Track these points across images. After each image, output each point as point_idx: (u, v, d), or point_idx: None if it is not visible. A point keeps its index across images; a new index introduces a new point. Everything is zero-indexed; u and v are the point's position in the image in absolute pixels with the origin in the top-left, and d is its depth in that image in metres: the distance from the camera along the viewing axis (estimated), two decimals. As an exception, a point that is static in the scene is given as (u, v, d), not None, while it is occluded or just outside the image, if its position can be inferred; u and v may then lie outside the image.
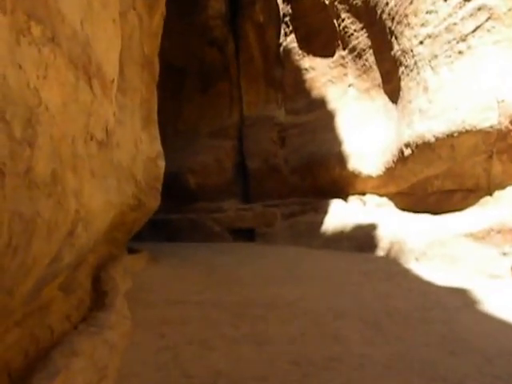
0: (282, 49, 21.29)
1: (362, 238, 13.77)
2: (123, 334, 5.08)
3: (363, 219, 14.65)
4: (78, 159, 4.17)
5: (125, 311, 5.86)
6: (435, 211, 12.68)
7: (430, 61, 12.56)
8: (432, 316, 6.59)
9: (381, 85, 16.55)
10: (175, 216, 21.24)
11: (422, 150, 12.58)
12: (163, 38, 13.07)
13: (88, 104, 4.44)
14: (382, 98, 16.47)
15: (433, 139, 12.06)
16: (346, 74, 18.28)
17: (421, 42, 12.90)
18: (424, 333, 5.82)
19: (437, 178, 12.86)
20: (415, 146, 12.79)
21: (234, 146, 21.66)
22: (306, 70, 20.00)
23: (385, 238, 12.80)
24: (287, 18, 20.88)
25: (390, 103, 15.80)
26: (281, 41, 21.36)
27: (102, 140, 5.40)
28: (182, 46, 22.40)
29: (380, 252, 12.68)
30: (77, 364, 3.61)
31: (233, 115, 21.94)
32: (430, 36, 12.59)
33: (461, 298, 7.58)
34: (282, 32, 21.27)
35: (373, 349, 5.23)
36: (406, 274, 9.66)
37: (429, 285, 8.59)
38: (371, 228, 13.79)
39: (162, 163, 12.90)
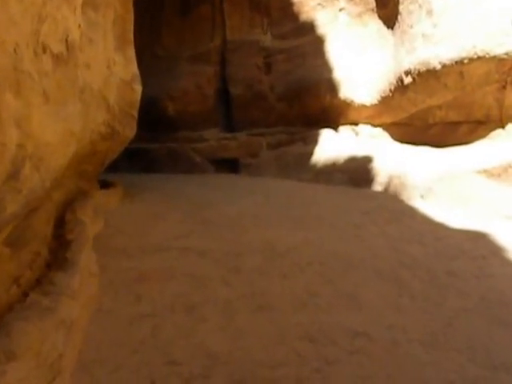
0: (268, -31, 19.43)
1: (357, 171, 12.66)
2: (88, 299, 3.92)
3: (357, 150, 13.52)
4: (24, 76, 3.04)
5: (92, 267, 4.68)
6: (436, 144, 11.66)
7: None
8: (458, 268, 5.54)
9: (375, 9, 15.29)
10: (153, 146, 19.90)
11: (426, 78, 11.40)
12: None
13: (38, 4, 3.22)
14: (375, 23, 15.18)
15: (439, 66, 10.85)
16: (337, -3, 16.82)
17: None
18: (457, 292, 4.76)
19: (440, 109, 11.77)
20: (417, 73, 11.59)
21: (215, 71, 19.93)
22: (295, -9, 18.37)
23: (382, 171, 11.66)
24: None
25: (385, 29, 14.58)
26: (267, -42, 19.49)
27: (61, 54, 4.21)
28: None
29: (377, 187, 11.57)
30: (16, 368, 2.41)
31: (215, 39, 20.10)
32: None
33: (484, 245, 6.50)
34: (269, -52, 19.42)
35: (402, 317, 4.19)
36: (414, 214, 8.51)
37: (443, 227, 7.47)
38: (366, 160, 12.69)
39: (138, 87, 11.65)
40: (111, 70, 9.30)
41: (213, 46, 20.07)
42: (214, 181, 15.60)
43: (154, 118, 19.59)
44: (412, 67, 11.70)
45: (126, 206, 10.05)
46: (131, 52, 11.47)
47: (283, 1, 18.52)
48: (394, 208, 9.08)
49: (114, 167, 19.09)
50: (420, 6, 11.77)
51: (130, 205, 10.21)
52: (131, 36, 11.51)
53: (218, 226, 7.78)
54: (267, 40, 19.00)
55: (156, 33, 21.44)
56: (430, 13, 11.33)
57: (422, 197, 9.55)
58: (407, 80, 12.00)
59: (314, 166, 14.46)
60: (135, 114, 11.68)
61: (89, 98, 7.23)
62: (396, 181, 10.73)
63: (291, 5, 18.27)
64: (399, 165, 11.12)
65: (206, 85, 19.59)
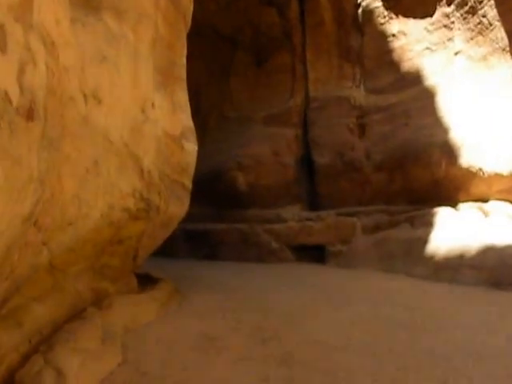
0: (361, 10, 16.95)
1: (498, 268, 9.63)
2: None
3: (494, 238, 10.37)
4: None
5: None
6: None
7: None
8: None
9: (507, 48, 12.34)
10: (219, 226, 17.25)
11: None
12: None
13: None
14: (507, 66, 12.30)
15: None
16: (451, 39, 14.11)
17: None
18: None
19: None
20: None
21: (296, 135, 17.34)
22: (394, 36, 15.77)
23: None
24: (368, -31, 16.68)
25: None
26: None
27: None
28: (231, 8, 18.54)
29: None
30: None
31: (296, 96, 17.65)
32: None
33: None
34: (361, -12, 17.05)
35: None
36: None
37: None
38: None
39: (191, 146, 9.23)
40: (147, 115, 6.84)
41: (293, 103, 17.63)
42: (296, 275, 12.64)
43: (220, 192, 17.25)
44: None
45: (166, 320, 7.24)
46: (183, 95, 9.08)
47: (380, 46, 16.05)
48: None
49: (170, 252, 16.82)
50: None
51: (171, 319, 7.41)
52: (183, 73, 9.14)
53: (309, 369, 4.95)
54: (360, 95, 16.42)
55: (225, 88, 19.21)
56: None
57: None
58: None
59: (432, 257, 11.36)
60: (187, 182, 9.23)
61: (102, 152, 5.22)
62: None
63: (390, 51, 15.73)
64: None
65: (285, 151, 17.05)
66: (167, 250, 17.46)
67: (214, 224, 17.35)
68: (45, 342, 4.66)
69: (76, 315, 5.76)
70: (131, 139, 6.13)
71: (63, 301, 5.73)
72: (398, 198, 14.67)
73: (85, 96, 4.62)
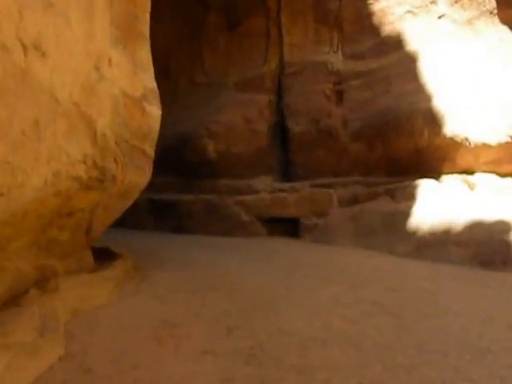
0: (339, -31, 15.96)
1: (486, 245, 8.90)
2: None
3: (481, 213, 9.66)
4: None
5: None
6: None
7: None
8: None
9: (494, 10, 11.67)
10: (186, 197, 16.25)
11: None
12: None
13: None
14: (495, 31, 11.60)
15: None
16: (434, 1, 13.24)
17: None
18: None
19: None
20: None
21: (270, 101, 16.32)
22: (374, -2, 14.79)
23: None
24: None
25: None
26: (337, -42, 16.10)
27: None
28: (202, -34, 17.34)
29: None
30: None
31: (270, 61, 16.61)
32: None
33: None
34: None
35: None
36: None
37: None
38: (501, 228, 8.95)
39: (154, 110, 8.27)
40: (102, 73, 5.97)
41: (267, 68, 16.57)
42: (267, 251, 11.82)
43: (188, 160, 16.24)
44: None
45: (120, 303, 6.43)
46: (145, 54, 8.10)
47: (359, 9, 15.06)
48: None
49: (134, 224, 15.82)
50: None
51: (129, 302, 6.50)
52: (146, 29, 8.14)
53: (281, 366, 4.21)
54: (338, 61, 15.39)
55: (196, 53, 18.09)
56: None
57: None
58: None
59: (414, 233, 10.53)
60: (149, 149, 8.29)
61: (45, 113, 4.46)
62: None
63: (370, 15, 14.78)
64: None
65: (258, 118, 16.04)
66: (131, 221, 16.46)
67: (182, 194, 16.43)
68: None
69: (15, 299, 4.91)
70: (83, 99, 5.33)
71: (2, 281, 4.88)
72: (376, 169, 13.82)
73: (24, 46, 3.89)
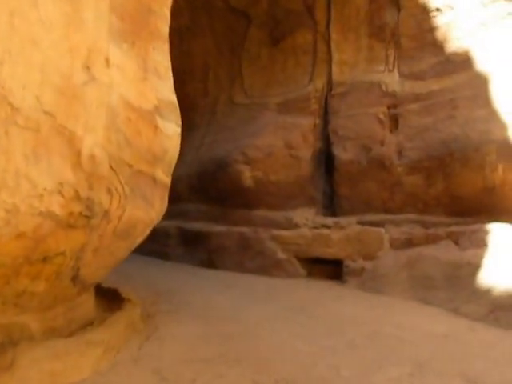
0: (397, -21, 14.07)
1: None
2: None
3: None
4: None
5: None
6: None
7: None
8: None
9: None
10: (218, 228, 14.50)
11: None
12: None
13: None
14: None
15: None
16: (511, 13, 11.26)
17: None
18: None
19: None
20: None
21: (315, 125, 14.38)
22: (439, 10, 12.84)
23: None
24: None
25: None
26: (395, -32, 14.22)
27: None
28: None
29: None
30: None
31: (316, 80, 14.76)
32: None
33: None
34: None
35: None
36: None
37: None
38: None
39: (172, 127, 6.62)
40: (94, 74, 4.54)
41: (312, 88, 14.71)
42: (305, 299, 9.96)
43: (222, 187, 14.52)
44: None
45: (107, 380, 4.74)
46: (161, 58, 6.38)
47: (420, 24, 13.18)
48: None
49: (164, 253, 15.41)
50: None
51: (118, 378, 4.82)
52: (164, 28, 6.45)
53: None
54: (394, 81, 13.49)
55: (235, 70, 16.41)
56: None
57: None
58: None
59: (487, 292, 8.50)
60: (162, 176, 6.60)
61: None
62: None
63: (433, 29, 12.87)
64: None
65: (301, 144, 14.15)
66: (160, 250, 15.88)
67: (213, 225, 14.77)
68: None
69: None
70: (60, 107, 3.93)
71: None
72: (436, 207, 11.80)
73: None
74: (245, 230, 13.87)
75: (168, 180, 6.78)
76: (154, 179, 6.24)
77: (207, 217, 15.16)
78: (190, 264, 14.66)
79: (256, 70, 15.92)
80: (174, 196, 15.70)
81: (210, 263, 14.20)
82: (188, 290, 10.37)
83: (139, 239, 6.59)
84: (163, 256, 15.67)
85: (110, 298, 7.70)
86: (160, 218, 6.76)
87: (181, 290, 10.21)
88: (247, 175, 13.97)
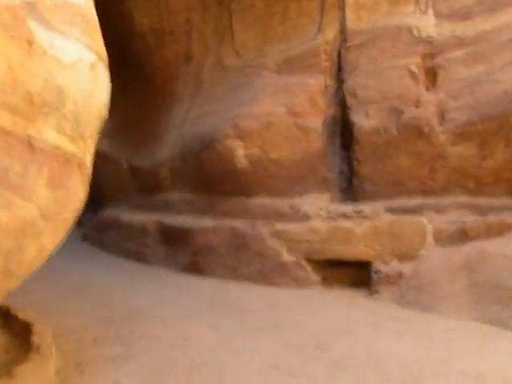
0: None
1: None
2: None
3: None
4: None
5: None
6: None
7: None
8: None
9: None
10: (204, 223, 11.79)
11: None
12: None
13: None
14: None
15: None
16: None
17: None
18: None
19: None
20: None
21: (326, 85, 11.55)
22: None
23: None
24: None
25: None
26: None
27: None
28: None
29: None
30: None
31: (325, 30, 11.89)
32: None
33: None
34: None
35: None
36: None
37: None
38: None
39: (74, 51, 3.37)
40: None
41: (321, 41, 11.84)
42: (320, 324, 7.19)
43: (209, 170, 11.90)
44: None
45: None
46: None
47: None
48: None
49: (141, 255, 13.47)
50: None
51: None
52: None
53: None
54: (428, 24, 10.60)
55: (224, 26, 13.80)
56: None
57: None
58: None
59: None
60: (54, 137, 3.70)
61: None
62: None
63: (477, -46, 10.19)
64: None
65: (308, 110, 11.36)
66: (135, 251, 13.80)
67: (201, 218, 12.06)
68: None
69: None
70: None
71: None
72: (494, 185, 9.02)
73: None
74: (238, 223, 11.19)
75: (74, 147, 3.78)
76: (30, 144, 3.30)
77: (192, 208, 12.54)
78: (173, 269, 12.02)
79: (249, 24, 13.28)
80: (155, 185, 12.61)
81: (195, 268, 11.53)
82: (158, 312, 7.71)
83: None
84: (140, 258, 13.16)
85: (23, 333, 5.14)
86: (60, 213, 3.78)
87: (147, 314, 7.57)
88: (240, 153, 11.30)
